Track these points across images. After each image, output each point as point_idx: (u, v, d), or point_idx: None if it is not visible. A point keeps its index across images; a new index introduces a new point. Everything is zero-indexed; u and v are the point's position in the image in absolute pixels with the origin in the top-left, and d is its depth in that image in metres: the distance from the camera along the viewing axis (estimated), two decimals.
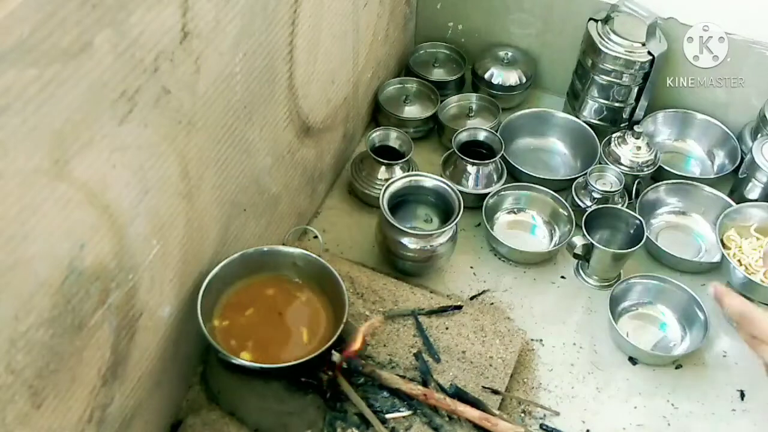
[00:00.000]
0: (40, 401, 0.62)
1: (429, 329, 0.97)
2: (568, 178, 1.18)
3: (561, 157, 1.26)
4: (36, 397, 0.61)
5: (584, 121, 1.24)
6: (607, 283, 1.08)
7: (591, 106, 1.25)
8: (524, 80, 1.31)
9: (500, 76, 1.30)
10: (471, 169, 1.14)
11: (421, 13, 1.36)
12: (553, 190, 1.14)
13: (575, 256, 1.06)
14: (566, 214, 1.12)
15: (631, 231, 1.08)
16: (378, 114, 1.28)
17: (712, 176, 1.21)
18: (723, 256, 1.06)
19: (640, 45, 1.15)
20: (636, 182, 1.15)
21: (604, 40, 1.16)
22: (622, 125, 1.25)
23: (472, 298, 1.06)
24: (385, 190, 1.01)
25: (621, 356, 1.01)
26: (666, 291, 1.05)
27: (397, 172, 1.14)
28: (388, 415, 0.87)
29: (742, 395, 0.98)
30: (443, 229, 1.01)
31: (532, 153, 1.26)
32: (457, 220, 1.00)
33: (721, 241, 1.09)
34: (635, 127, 1.15)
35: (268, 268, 0.92)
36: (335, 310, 0.89)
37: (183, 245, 0.78)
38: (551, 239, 1.14)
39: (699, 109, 1.25)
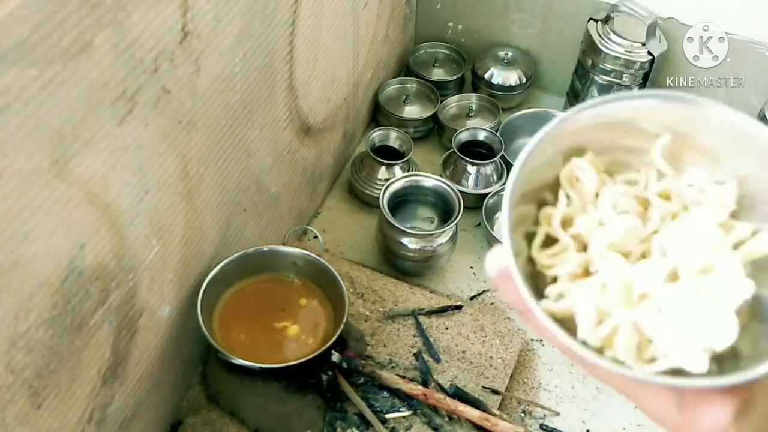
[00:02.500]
0: (40, 401, 0.62)
1: (429, 329, 0.97)
2: None
3: None
4: (36, 397, 0.61)
5: None
6: None
7: None
8: (524, 80, 1.31)
9: (500, 76, 1.30)
10: (471, 169, 1.14)
11: (421, 13, 1.36)
12: None
13: None
14: None
15: None
16: (378, 114, 1.28)
17: None
18: None
19: (640, 45, 1.15)
20: None
21: (604, 40, 1.16)
22: None
23: (472, 298, 1.06)
24: (385, 190, 1.01)
25: None
26: None
27: (397, 172, 1.14)
28: (388, 415, 0.87)
29: None
30: (443, 229, 1.01)
31: None
32: (457, 220, 1.00)
33: None
34: None
35: (268, 268, 0.92)
36: (335, 310, 0.89)
37: (183, 245, 0.78)
38: None
39: None
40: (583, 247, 0.35)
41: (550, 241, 0.35)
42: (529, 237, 0.36)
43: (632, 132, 0.35)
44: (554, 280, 0.35)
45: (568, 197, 0.35)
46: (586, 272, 0.34)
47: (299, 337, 0.88)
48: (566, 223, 0.35)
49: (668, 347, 0.31)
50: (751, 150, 0.33)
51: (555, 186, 0.36)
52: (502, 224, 0.33)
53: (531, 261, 0.35)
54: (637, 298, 0.32)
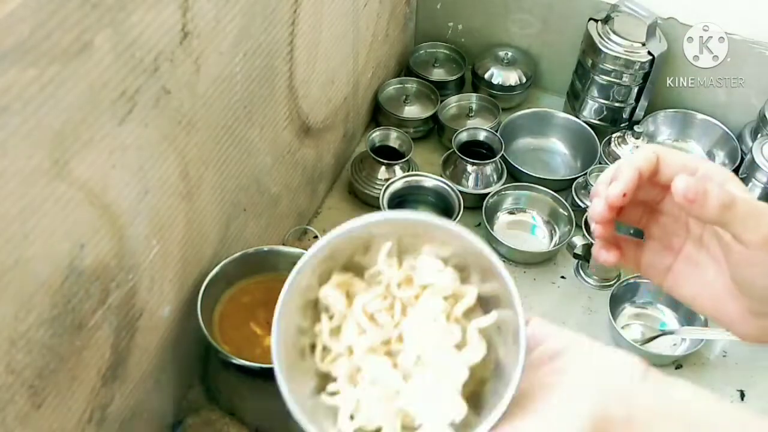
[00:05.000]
0: (40, 401, 0.62)
1: None
2: (568, 178, 1.18)
3: (561, 157, 1.26)
4: (36, 397, 0.61)
5: (584, 121, 1.24)
6: (607, 283, 1.08)
7: (591, 106, 1.25)
8: (524, 80, 1.31)
9: (500, 76, 1.30)
10: (471, 169, 1.14)
11: (421, 13, 1.36)
12: (553, 190, 1.14)
13: (575, 256, 1.06)
14: (566, 214, 1.12)
15: (631, 231, 1.08)
16: (378, 114, 1.28)
17: None
18: None
19: (640, 45, 1.15)
20: None
21: (604, 40, 1.16)
22: (622, 125, 1.25)
23: None
24: (385, 190, 1.01)
25: None
26: None
27: (397, 172, 1.14)
28: None
29: (742, 395, 0.98)
30: None
31: (532, 153, 1.26)
32: (457, 220, 1.00)
33: None
34: (635, 127, 1.15)
35: (268, 268, 0.92)
36: None
37: (183, 245, 0.78)
38: (551, 239, 1.14)
39: (699, 109, 1.25)
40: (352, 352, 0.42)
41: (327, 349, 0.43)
42: (312, 348, 0.43)
43: (365, 247, 0.44)
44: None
45: (329, 313, 0.43)
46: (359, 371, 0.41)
47: None
48: (336, 332, 0.42)
49: (426, 426, 0.39)
50: (445, 235, 0.43)
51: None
52: (272, 338, 0.41)
53: (318, 372, 0.43)
54: (393, 392, 0.40)
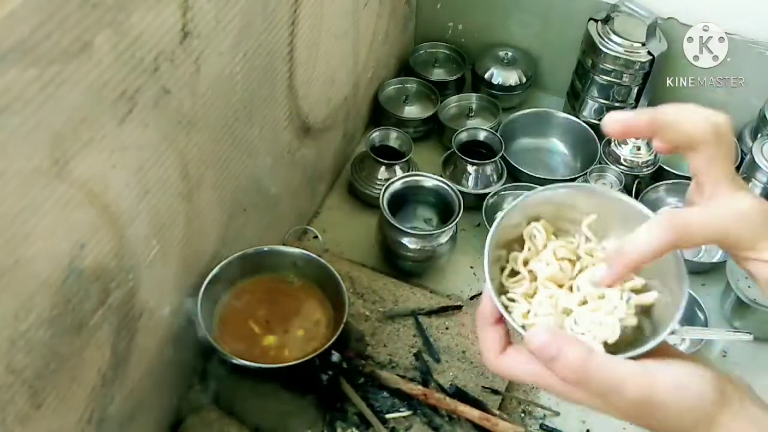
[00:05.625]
0: (40, 401, 0.62)
1: (429, 329, 0.97)
2: (568, 178, 1.18)
3: (561, 157, 1.26)
4: (36, 397, 0.61)
5: (584, 121, 1.24)
6: None
7: (591, 106, 1.25)
8: (524, 80, 1.31)
9: (500, 76, 1.30)
10: (471, 169, 1.14)
11: (421, 13, 1.36)
12: None
13: None
14: None
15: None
16: (378, 114, 1.28)
17: None
18: None
19: (640, 45, 1.15)
20: (636, 182, 1.15)
21: (604, 40, 1.16)
22: None
23: (472, 298, 1.06)
24: (385, 190, 1.01)
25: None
26: None
27: (397, 172, 1.14)
28: (388, 415, 0.87)
29: None
30: (443, 229, 1.01)
31: (532, 153, 1.26)
32: (457, 220, 1.00)
33: None
34: None
35: (268, 268, 0.92)
36: (335, 310, 0.89)
37: (183, 245, 0.78)
38: None
39: None
40: (534, 279, 0.53)
41: (513, 273, 0.54)
42: (501, 270, 0.54)
43: (572, 209, 0.54)
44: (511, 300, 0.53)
45: (528, 248, 0.54)
46: (534, 294, 0.53)
47: (299, 337, 0.88)
48: (525, 263, 0.54)
49: (582, 336, 0.50)
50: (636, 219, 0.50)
51: (519, 240, 0.55)
52: (485, 260, 0.51)
53: (501, 286, 0.54)
54: (560, 310, 0.51)
